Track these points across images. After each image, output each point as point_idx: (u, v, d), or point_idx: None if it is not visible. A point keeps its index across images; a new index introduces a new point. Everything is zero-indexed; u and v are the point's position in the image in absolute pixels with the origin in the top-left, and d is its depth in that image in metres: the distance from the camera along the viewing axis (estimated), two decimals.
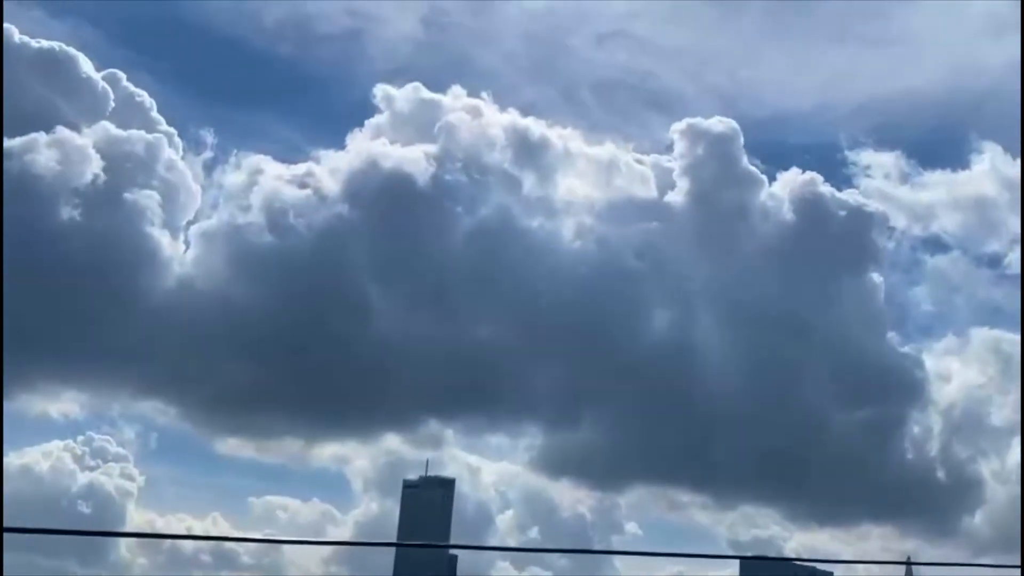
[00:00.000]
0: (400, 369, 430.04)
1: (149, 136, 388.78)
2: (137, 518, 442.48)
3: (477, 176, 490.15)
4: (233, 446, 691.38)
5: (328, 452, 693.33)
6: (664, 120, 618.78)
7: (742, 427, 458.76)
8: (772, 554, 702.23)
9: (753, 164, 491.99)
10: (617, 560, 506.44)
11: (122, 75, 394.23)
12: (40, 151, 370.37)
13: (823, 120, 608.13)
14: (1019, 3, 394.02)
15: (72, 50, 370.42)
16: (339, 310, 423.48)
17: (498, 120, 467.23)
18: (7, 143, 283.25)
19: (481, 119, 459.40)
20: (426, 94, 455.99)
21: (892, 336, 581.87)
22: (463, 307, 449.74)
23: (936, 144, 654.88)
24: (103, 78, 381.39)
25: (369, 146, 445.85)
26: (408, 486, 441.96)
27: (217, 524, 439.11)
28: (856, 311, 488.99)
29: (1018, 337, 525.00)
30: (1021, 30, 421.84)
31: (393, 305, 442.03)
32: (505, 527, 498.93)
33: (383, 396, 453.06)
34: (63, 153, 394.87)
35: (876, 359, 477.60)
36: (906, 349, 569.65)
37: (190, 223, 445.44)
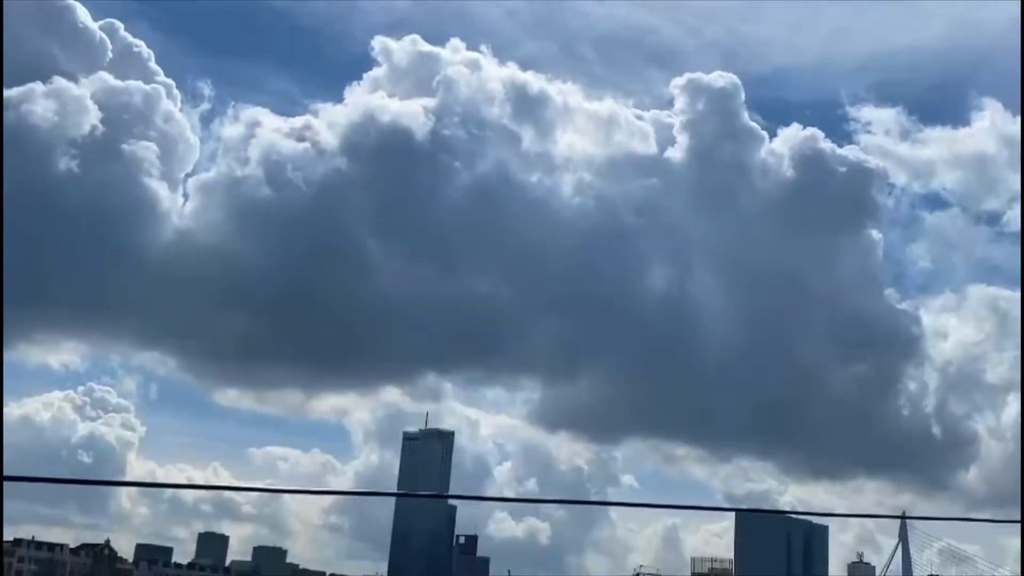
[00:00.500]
0: (399, 323, 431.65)
1: (147, 87, 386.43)
2: (138, 468, 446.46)
3: (475, 131, 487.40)
4: (233, 397, 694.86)
5: (328, 404, 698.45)
6: (664, 75, 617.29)
7: (739, 382, 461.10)
8: (767, 507, 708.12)
9: (754, 120, 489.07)
10: (613, 512, 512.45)
11: (120, 25, 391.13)
12: (37, 101, 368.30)
13: (824, 76, 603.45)
14: None
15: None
16: (337, 263, 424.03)
17: (497, 74, 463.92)
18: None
19: (480, 73, 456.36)
20: (425, 47, 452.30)
21: (890, 293, 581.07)
22: (461, 262, 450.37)
23: (937, 101, 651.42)
24: (100, 28, 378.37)
25: (367, 99, 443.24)
26: (408, 438, 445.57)
27: (218, 474, 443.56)
28: (854, 267, 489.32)
29: (1015, 294, 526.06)
30: None
31: (391, 259, 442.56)
32: (503, 479, 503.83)
33: (382, 349, 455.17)
34: (60, 103, 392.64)
35: (873, 315, 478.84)
36: (903, 306, 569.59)
37: (188, 175, 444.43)
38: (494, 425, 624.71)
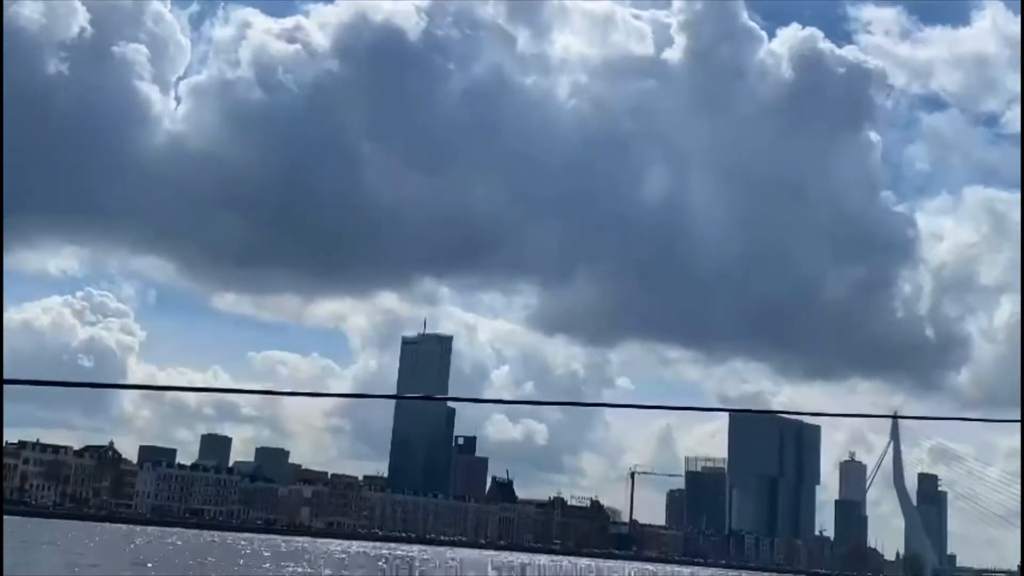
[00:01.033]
0: (394, 227, 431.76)
1: None
2: (139, 372, 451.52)
3: (469, 32, 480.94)
4: (231, 302, 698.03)
5: (325, 309, 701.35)
6: None
7: (734, 284, 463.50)
8: (760, 408, 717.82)
9: (753, 20, 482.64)
10: (608, 413, 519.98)
11: None
12: (24, 2, 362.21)
13: None
14: None
15: None
16: (332, 167, 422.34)
17: None
18: None
19: None
20: None
21: (887, 195, 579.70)
22: (456, 165, 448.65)
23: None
24: None
25: None
26: (407, 343, 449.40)
27: (218, 377, 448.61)
28: (852, 170, 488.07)
29: (1012, 195, 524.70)
30: None
31: (385, 162, 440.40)
32: (501, 382, 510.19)
33: (378, 254, 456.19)
34: (48, 5, 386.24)
35: (869, 218, 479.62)
36: (900, 208, 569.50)
37: (180, 79, 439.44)
38: (492, 330, 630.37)
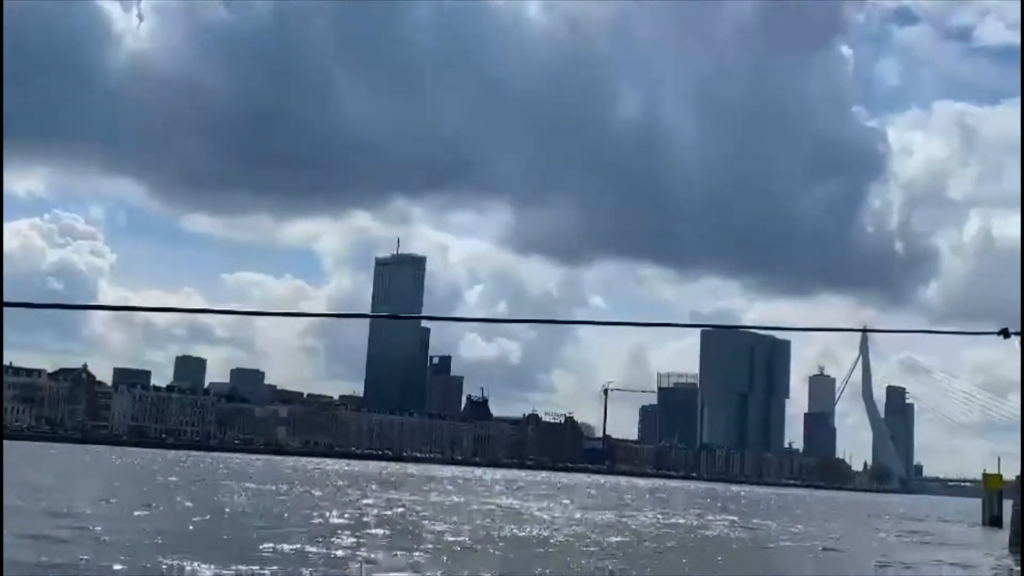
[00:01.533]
0: (365, 147, 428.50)
1: None
2: (110, 294, 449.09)
3: None
4: (202, 223, 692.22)
5: (297, 229, 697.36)
6: None
7: (707, 203, 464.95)
8: (732, 324, 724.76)
9: None
10: (581, 331, 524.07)
11: None
12: None
13: None
14: None
15: None
16: (301, 88, 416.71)
17: None
18: None
19: None
20: None
21: (858, 110, 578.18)
22: (427, 86, 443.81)
23: None
24: None
25: None
26: (381, 263, 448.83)
27: (191, 299, 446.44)
28: (823, 85, 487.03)
29: (982, 110, 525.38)
30: None
31: (356, 83, 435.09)
32: (474, 302, 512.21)
33: (349, 174, 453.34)
34: None
35: (841, 134, 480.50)
36: (871, 123, 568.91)
37: None
38: (465, 250, 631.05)
